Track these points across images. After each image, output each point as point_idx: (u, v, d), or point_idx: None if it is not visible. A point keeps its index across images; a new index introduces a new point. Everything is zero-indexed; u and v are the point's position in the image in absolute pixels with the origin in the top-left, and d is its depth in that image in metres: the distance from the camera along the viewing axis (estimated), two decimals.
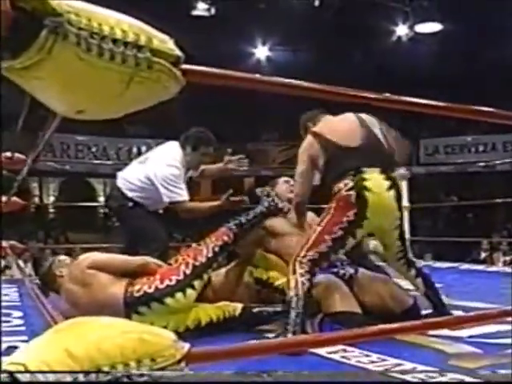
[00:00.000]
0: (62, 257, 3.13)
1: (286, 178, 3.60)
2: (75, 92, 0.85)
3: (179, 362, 0.94)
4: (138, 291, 2.67)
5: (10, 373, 0.77)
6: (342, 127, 2.89)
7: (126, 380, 0.86)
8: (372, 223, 2.71)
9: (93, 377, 0.84)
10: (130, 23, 0.87)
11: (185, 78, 0.95)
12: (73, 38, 0.78)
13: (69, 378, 0.81)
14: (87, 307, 2.61)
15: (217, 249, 2.81)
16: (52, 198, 15.93)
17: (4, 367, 0.79)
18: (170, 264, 2.84)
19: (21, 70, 0.79)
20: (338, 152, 2.79)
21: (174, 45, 0.93)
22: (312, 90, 1.25)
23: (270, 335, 2.64)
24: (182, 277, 2.70)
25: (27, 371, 0.78)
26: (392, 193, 2.73)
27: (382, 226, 2.77)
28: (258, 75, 1.17)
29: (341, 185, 2.69)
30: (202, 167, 3.95)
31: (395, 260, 2.88)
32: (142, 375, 0.86)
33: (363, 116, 2.89)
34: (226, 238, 2.85)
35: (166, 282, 2.68)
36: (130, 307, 2.65)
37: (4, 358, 0.81)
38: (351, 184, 2.67)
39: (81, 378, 0.83)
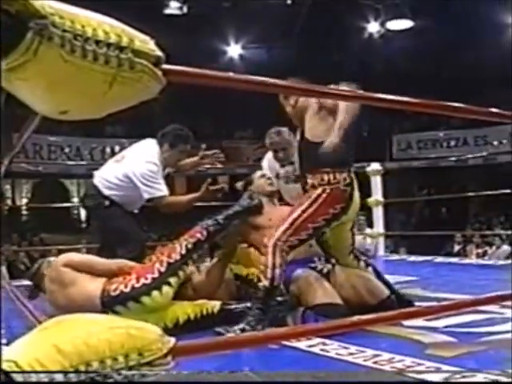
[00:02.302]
0: (52, 258, 3.11)
1: (261, 172, 3.59)
2: (59, 92, 0.86)
3: (166, 355, 0.96)
4: (115, 290, 2.67)
5: (6, 372, 0.78)
6: None
7: (119, 378, 0.88)
8: (346, 217, 2.80)
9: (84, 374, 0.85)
10: (112, 25, 0.89)
11: (165, 77, 0.97)
12: (57, 40, 0.79)
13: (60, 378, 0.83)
14: (65, 307, 2.60)
15: (190, 246, 2.82)
16: (25, 200, 15.73)
17: None
18: (144, 263, 2.85)
19: (5, 71, 0.81)
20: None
21: (154, 45, 0.95)
22: (287, 88, 1.28)
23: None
24: (157, 275, 2.71)
25: (22, 371, 0.79)
26: (358, 192, 2.85)
27: (347, 218, 2.85)
28: (240, 75, 1.19)
29: (339, 177, 2.73)
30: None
31: (346, 254, 2.98)
32: (131, 368, 0.88)
33: None
34: (199, 236, 2.87)
35: (142, 281, 2.69)
36: (107, 307, 2.65)
37: None
38: (349, 180, 2.75)
39: (72, 376, 0.84)
